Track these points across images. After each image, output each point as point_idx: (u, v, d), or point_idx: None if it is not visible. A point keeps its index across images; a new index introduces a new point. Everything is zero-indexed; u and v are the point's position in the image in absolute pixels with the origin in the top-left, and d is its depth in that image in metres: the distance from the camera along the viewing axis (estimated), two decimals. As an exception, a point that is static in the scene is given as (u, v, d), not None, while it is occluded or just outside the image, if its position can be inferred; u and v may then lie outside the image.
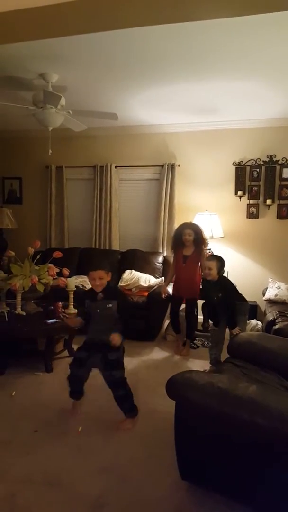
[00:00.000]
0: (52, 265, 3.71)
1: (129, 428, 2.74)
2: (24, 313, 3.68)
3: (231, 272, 4.72)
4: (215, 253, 4.63)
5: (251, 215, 4.88)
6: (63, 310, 3.79)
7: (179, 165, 5.07)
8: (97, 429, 2.67)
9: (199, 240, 4.03)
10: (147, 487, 2.14)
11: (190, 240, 4.00)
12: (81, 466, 2.30)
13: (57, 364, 3.69)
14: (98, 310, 2.78)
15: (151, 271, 4.85)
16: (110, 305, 2.76)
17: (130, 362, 3.82)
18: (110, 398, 3.08)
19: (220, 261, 3.52)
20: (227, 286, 3.56)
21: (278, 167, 4.72)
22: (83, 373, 2.83)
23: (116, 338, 2.61)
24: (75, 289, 3.90)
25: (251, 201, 4.86)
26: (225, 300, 3.48)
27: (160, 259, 4.98)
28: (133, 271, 4.81)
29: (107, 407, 2.95)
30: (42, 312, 3.80)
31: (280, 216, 4.78)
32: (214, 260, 3.52)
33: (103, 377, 2.73)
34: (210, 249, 4.64)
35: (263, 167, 4.77)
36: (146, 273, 4.78)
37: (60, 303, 3.82)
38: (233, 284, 3.67)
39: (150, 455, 2.41)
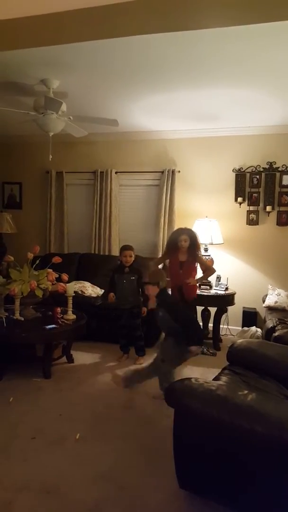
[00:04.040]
0: (51, 270, 3.71)
1: (141, 363, 3.85)
2: (22, 319, 3.66)
3: (231, 278, 4.73)
4: (215, 259, 4.65)
5: (251, 222, 4.88)
6: (61, 315, 3.78)
7: (179, 171, 5.08)
8: (94, 437, 2.65)
9: (194, 246, 3.97)
10: (144, 495, 2.12)
11: (185, 246, 3.92)
12: (79, 474, 2.28)
13: (55, 370, 3.68)
14: (124, 281, 3.92)
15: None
16: (133, 277, 3.93)
17: (128, 369, 3.81)
18: (107, 406, 3.07)
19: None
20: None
21: (278, 174, 4.74)
22: (125, 325, 4.00)
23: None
24: (74, 294, 3.90)
25: (251, 208, 4.87)
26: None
27: (160, 265, 4.97)
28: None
29: (105, 414, 2.94)
30: (40, 317, 3.78)
31: (280, 222, 4.79)
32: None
33: (129, 324, 3.96)
34: (209, 256, 4.64)
35: (263, 174, 4.79)
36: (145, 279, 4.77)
37: (59, 309, 3.81)
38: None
39: (148, 463, 2.38)
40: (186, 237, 3.93)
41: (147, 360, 3.99)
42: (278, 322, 3.84)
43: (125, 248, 4.01)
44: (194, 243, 3.95)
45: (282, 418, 1.70)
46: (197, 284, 4.23)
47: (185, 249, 3.94)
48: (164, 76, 3.28)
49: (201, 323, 4.67)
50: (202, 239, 4.56)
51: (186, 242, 3.92)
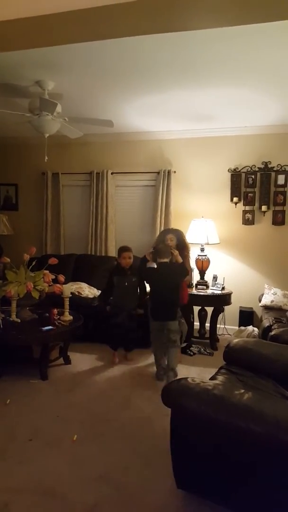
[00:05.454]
0: (47, 271, 3.70)
1: (132, 359, 3.99)
2: (19, 320, 3.65)
3: (227, 278, 4.74)
4: (211, 259, 4.65)
5: (246, 221, 4.89)
6: (58, 317, 3.77)
7: (175, 172, 5.09)
8: (92, 438, 2.65)
9: (181, 245, 3.92)
10: (142, 495, 2.12)
11: (172, 246, 3.83)
12: (76, 475, 2.27)
13: (52, 372, 3.67)
14: (126, 283, 3.85)
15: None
16: (134, 279, 3.86)
17: (125, 369, 3.82)
18: (104, 406, 3.07)
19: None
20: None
21: (273, 174, 4.75)
22: (120, 325, 3.89)
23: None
24: (70, 295, 3.89)
25: (247, 208, 4.89)
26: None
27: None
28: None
29: (102, 415, 2.94)
30: (37, 319, 3.78)
31: (275, 222, 4.80)
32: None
33: (125, 325, 3.89)
34: (205, 256, 4.65)
35: (258, 174, 4.80)
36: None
37: (55, 310, 3.80)
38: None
39: (145, 463, 2.38)
40: (172, 236, 3.91)
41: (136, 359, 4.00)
42: (274, 321, 3.86)
43: (124, 250, 3.89)
44: (181, 243, 3.92)
45: (278, 417, 1.71)
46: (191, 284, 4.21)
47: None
48: (158, 77, 3.28)
49: (198, 323, 4.68)
50: (198, 239, 4.57)
51: (173, 241, 3.89)
